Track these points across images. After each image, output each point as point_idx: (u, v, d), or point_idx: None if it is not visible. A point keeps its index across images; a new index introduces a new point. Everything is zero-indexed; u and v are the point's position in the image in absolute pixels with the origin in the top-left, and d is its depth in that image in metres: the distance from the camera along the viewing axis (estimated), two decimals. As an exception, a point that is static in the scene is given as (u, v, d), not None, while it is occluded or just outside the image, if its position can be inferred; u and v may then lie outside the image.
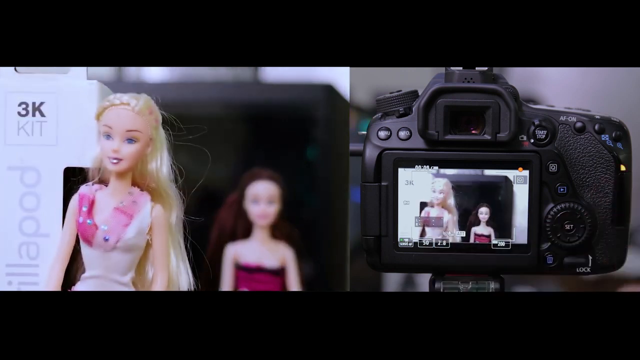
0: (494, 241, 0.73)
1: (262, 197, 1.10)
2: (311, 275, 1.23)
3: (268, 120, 1.34)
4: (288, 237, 1.12)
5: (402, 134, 0.73)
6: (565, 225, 0.73)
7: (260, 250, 1.10)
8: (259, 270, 1.09)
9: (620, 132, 0.74)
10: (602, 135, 0.73)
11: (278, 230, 1.11)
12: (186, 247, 0.79)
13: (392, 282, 1.54)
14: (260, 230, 1.10)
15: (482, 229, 0.73)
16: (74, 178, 0.78)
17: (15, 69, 0.79)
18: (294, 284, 1.10)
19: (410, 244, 0.73)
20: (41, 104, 0.78)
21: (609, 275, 0.77)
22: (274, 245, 1.11)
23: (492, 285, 0.74)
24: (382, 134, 0.73)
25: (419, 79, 0.78)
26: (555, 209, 0.73)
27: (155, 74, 1.43)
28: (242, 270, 1.09)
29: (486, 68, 0.73)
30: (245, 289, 1.09)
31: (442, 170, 0.73)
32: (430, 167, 0.73)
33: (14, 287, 0.78)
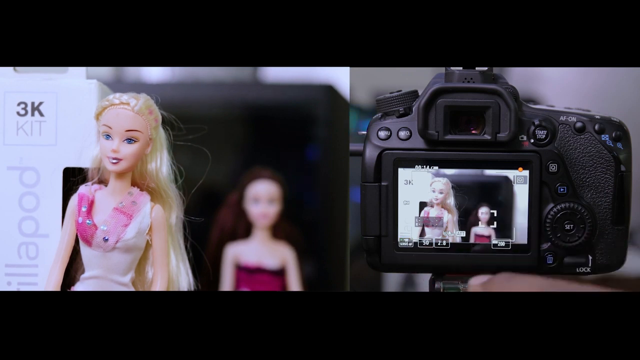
0: (494, 241, 0.73)
1: (262, 197, 1.10)
2: (311, 275, 1.23)
3: (268, 120, 1.34)
4: (288, 237, 1.12)
5: (402, 134, 0.73)
6: (565, 225, 0.73)
7: (260, 251, 1.10)
8: (259, 270, 1.09)
9: (620, 132, 0.73)
10: (602, 135, 0.73)
11: (278, 231, 1.11)
12: (186, 248, 0.79)
13: (392, 282, 1.54)
14: (260, 231, 1.10)
15: (482, 229, 0.73)
16: (73, 178, 0.77)
17: (14, 69, 0.79)
18: (294, 284, 1.09)
19: (410, 244, 0.73)
20: (40, 103, 0.78)
21: (609, 275, 0.77)
22: (274, 245, 1.10)
23: (492, 285, 0.74)
24: (382, 134, 0.73)
25: (419, 79, 0.78)
26: (555, 209, 0.72)
27: (155, 74, 1.43)
28: (243, 271, 1.09)
29: (486, 68, 0.73)
30: (245, 289, 1.09)
31: (442, 170, 0.73)
32: (430, 167, 0.73)
33: (13, 287, 0.78)
